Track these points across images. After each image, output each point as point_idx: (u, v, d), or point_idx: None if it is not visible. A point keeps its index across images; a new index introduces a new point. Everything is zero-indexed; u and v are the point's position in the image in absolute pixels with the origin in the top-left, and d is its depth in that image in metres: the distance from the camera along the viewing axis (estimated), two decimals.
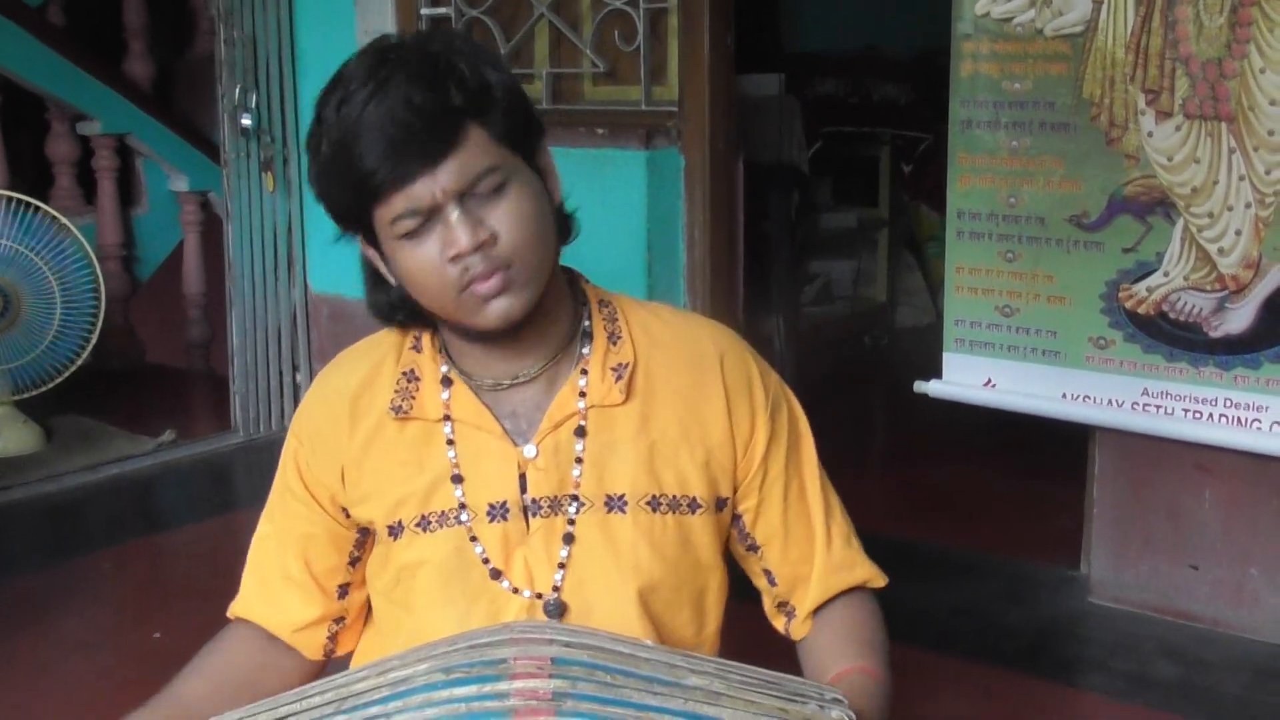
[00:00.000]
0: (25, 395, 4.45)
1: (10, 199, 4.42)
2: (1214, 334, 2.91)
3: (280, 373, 4.65)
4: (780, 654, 1.51)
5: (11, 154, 5.24)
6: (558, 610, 1.47)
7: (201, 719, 1.45)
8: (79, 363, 4.54)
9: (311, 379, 4.58)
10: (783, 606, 1.62)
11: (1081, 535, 3.32)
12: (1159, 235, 2.94)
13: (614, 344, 1.53)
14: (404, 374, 1.53)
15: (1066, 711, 2.77)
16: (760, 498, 1.57)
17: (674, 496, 1.51)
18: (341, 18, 4.33)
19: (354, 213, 1.41)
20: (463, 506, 1.48)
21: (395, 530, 1.51)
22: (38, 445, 4.44)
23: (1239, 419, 2.91)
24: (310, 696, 1.20)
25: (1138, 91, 2.91)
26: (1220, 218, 2.85)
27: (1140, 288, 2.99)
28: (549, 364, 1.51)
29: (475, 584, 1.48)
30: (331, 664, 1.62)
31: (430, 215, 1.37)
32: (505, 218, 1.39)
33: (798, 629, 1.61)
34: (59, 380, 4.51)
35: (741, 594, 1.63)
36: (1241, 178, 2.82)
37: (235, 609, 1.62)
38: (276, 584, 1.58)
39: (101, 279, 4.62)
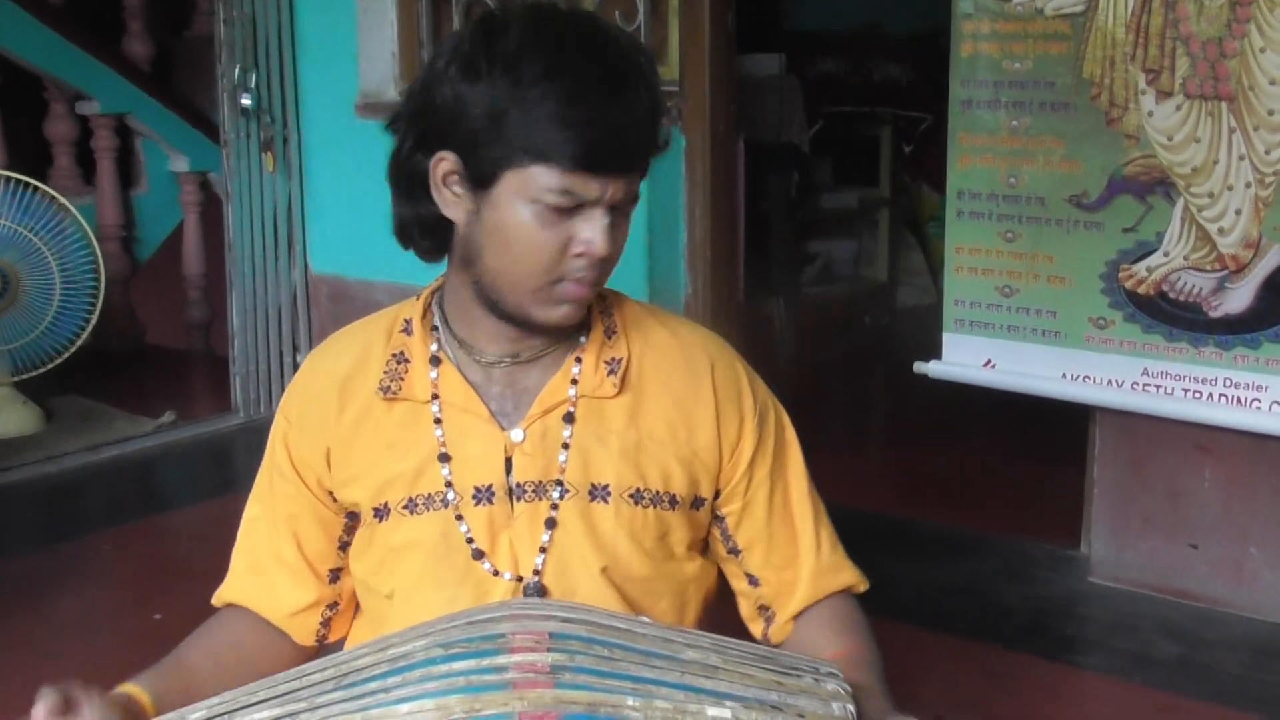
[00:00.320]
0: (25, 376, 4.46)
1: (9, 179, 4.41)
2: (1214, 314, 2.91)
3: (280, 353, 4.64)
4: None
5: (10, 134, 5.24)
6: (537, 593, 1.49)
7: (206, 690, 1.46)
8: (79, 344, 4.54)
9: None
10: (763, 610, 1.63)
11: (1081, 515, 3.33)
12: (1159, 215, 2.94)
13: (609, 338, 1.55)
14: (393, 355, 1.53)
15: (1066, 690, 2.77)
16: (745, 502, 1.59)
17: (656, 492, 1.53)
18: None
19: (505, 151, 1.37)
20: (449, 486, 1.49)
21: (381, 512, 1.52)
22: (37, 426, 4.45)
23: (1239, 399, 2.91)
24: (310, 674, 1.21)
25: (1138, 71, 2.91)
26: (1220, 197, 2.85)
27: (1140, 268, 2.98)
28: (548, 349, 1.52)
29: (461, 566, 1.49)
30: (324, 649, 1.62)
31: (580, 206, 1.38)
32: (620, 239, 1.44)
33: (778, 632, 1.63)
34: (59, 361, 4.51)
35: (727, 595, 1.65)
36: (1241, 157, 2.81)
37: (224, 594, 1.62)
38: (269, 567, 1.59)
39: (101, 259, 4.62)
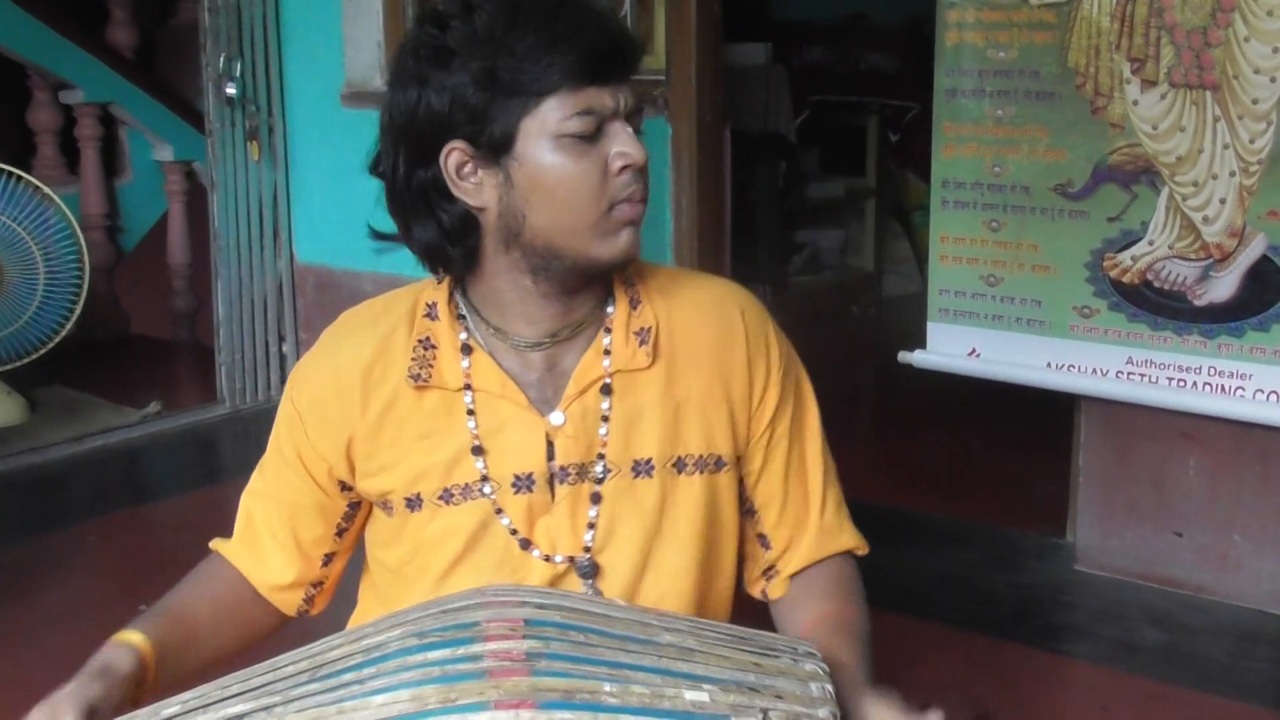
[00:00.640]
0: (9, 366, 4.44)
1: None
2: (1198, 302, 2.92)
3: (266, 343, 4.64)
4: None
5: None
6: (591, 571, 1.47)
7: (203, 639, 1.53)
8: (63, 334, 4.53)
9: (298, 349, 4.61)
10: (767, 571, 1.62)
11: (1067, 503, 3.34)
12: (1144, 204, 2.94)
13: (634, 308, 1.51)
14: (420, 342, 1.49)
15: (1052, 677, 2.78)
16: (764, 459, 1.57)
17: (700, 456, 1.51)
18: None
19: (508, 103, 1.36)
20: (485, 479, 1.47)
21: (414, 503, 1.49)
22: (22, 417, 4.43)
23: (1223, 387, 2.91)
24: (284, 666, 1.20)
25: (1123, 60, 2.91)
26: (1205, 186, 2.85)
27: (1125, 256, 2.99)
28: (585, 323, 1.49)
29: (499, 555, 1.47)
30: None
31: (601, 125, 1.38)
32: (645, 153, 1.41)
33: (776, 588, 1.61)
34: (43, 351, 4.50)
35: None
36: (1226, 146, 2.81)
37: (221, 546, 1.62)
38: (264, 541, 1.59)
39: (85, 249, 4.60)
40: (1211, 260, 2.89)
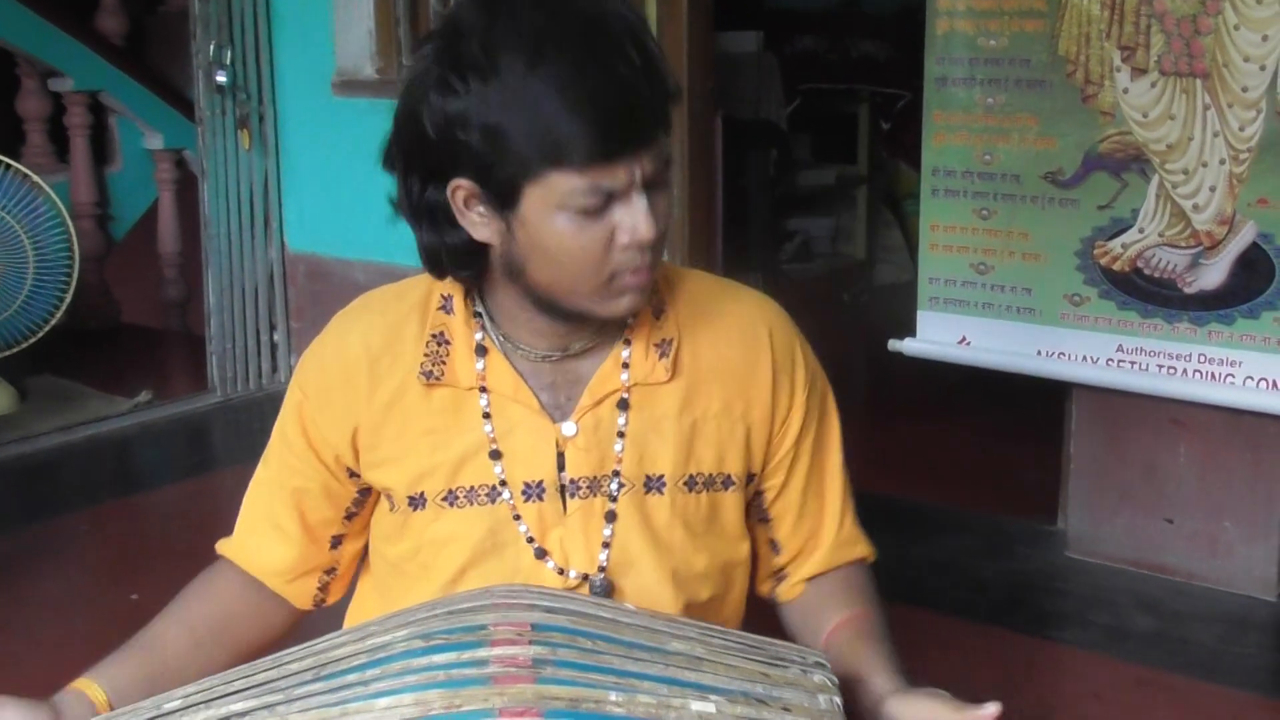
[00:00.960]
0: None
1: None
2: (1188, 290, 2.92)
3: (257, 332, 4.63)
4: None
5: None
6: (605, 590, 1.44)
7: (178, 666, 1.46)
8: (53, 323, 4.52)
9: (289, 338, 4.61)
10: (776, 573, 1.62)
11: (1058, 490, 3.34)
12: (1134, 192, 2.94)
13: (657, 318, 1.47)
14: (433, 336, 1.45)
15: (1044, 664, 2.79)
16: (786, 476, 1.56)
17: (710, 475, 1.49)
18: None
19: (515, 166, 1.28)
20: (503, 484, 1.44)
21: (417, 501, 1.46)
22: (12, 406, 4.41)
23: (1213, 374, 2.92)
24: (288, 663, 1.19)
25: (1113, 48, 2.91)
26: (1195, 174, 2.86)
27: (1115, 244, 2.99)
28: (600, 338, 1.45)
29: (511, 562, 1.44)
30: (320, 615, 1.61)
31: (613, 196, 1.29)
32: (664, 213, 1.34)
33: (788, 591, 1.61)
34: (33, 340, 4.49)
35: None
36: (1216, 134, 2.82)
37: (224, 547, 1.59)
38: (265, 532, 1.55)
39: (75, 238, 4.59)
40: (1201, 248, 2.89)
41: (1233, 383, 2.90)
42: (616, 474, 1.44)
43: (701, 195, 3.77)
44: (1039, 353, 3.13)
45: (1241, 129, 2.79)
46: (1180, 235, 2.91)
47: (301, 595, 1.57)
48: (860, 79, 6.36)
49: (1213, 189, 2.84)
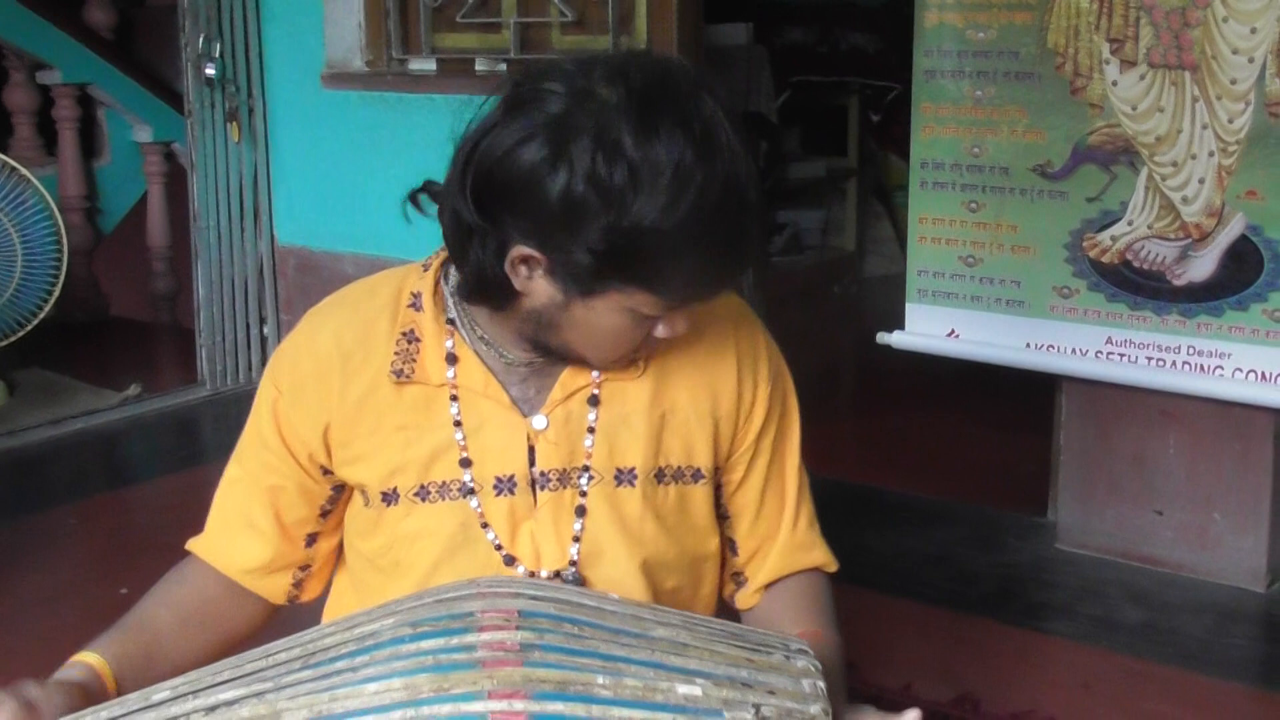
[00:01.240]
0: None
1: None
2: (1177, 282, 2.93)
3: (247, 325, 4.61)
4: None
5: None
6: (575, 584, 1.45)
7: (170, 643, 1.48)
8: (41, 316, 4.50)
9: (279, 331, 4.60)
10: (735, 576, 1.62)
11: (1048, 482, 3.35)
12: (1123, 184, 2.95)
13: None
14: (403, 334, 1.47)
15: (1033, 655, 2.79)
16: (746, 471, 1.57)
17: (679, 467, 1.50)
18: None
19: (612, 277, 1.30)
20: (470, 481, 1.45)
21: (390, 497, 1.47)
22: (0, 400, 4.41)
23: (1202, 366, 2.93)
24: (276, 653, 1.20)
25: (1102, 41, 2.91)
26: (1184, 166, 2.86)
27: (1104, 236, 2.99)
28: None
29: (482, 558, 1.45)
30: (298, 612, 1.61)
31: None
32: (692, 322, 1.43)
33: (746, 599, 1.62)
34: (21, 334, 4.47)
35: None
36: (1205, 126, 2.82)
37: (195, 545, 1.59)
38: (238, 530, 1.56)
39: (64, 231, 4.57)
40: (1190, 240, 2.89)
41: (1222, 374, 2.90)
42: (586, 468, 1.46)
43: None
44: (1028, 345, 3.13)
45: (1230, 121, 2.79)
46: (1169, 227, 2.91)
47: (275, 591, 1.58)
48: (850, 71, 6.36)
49: (1202, 181, 2.85)
